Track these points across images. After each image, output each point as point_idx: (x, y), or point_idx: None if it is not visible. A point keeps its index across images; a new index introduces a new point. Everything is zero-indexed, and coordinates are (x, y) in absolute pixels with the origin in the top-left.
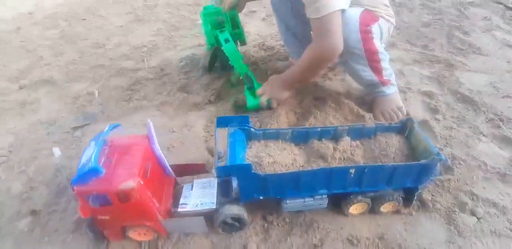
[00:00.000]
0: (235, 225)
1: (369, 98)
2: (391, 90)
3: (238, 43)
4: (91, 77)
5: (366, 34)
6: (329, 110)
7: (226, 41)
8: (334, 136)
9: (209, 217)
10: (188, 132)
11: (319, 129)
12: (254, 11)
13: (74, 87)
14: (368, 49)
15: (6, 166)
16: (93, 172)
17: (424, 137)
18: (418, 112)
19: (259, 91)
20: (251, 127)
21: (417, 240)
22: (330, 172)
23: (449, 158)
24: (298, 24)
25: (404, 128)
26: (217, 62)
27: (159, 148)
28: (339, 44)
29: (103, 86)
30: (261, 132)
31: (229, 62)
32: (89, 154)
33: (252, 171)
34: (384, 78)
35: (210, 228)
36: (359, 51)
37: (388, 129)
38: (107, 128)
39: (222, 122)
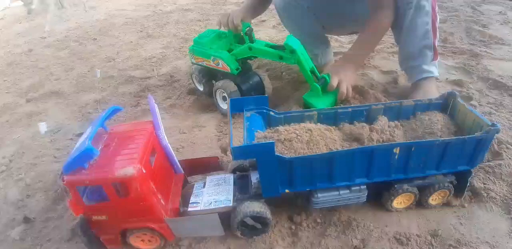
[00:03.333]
0: (257, 227)
1: (403, 89)
2: (437, 72)
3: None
4: (99, 88)
5: None
6: (353, 102)
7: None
8: (368, 117)
9: (225, 218)
10: (199, 132)
11: (349, 110)
12: (264, 20)
13: (82, 98)
14: (434, 9)
15: (5, 174)
16: (87, 153)
17: (471, 110)
18: None
19: (333, 81)
20: (271, 110)
21: (476, 234)
22: (370, 152)
23: (495, 142)
24: (311, 24)
25: (446, 104)
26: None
27: (165, 136)
28: (392, 11)
29: (111, 94)
30: (282, 115)
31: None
32: (81, 141)
33: (276, 153)
34: (436, 44)
35: (227, 231)
36: (427, 3)
37: (428, 107)
38: (105, 112)
39: (236, 105)
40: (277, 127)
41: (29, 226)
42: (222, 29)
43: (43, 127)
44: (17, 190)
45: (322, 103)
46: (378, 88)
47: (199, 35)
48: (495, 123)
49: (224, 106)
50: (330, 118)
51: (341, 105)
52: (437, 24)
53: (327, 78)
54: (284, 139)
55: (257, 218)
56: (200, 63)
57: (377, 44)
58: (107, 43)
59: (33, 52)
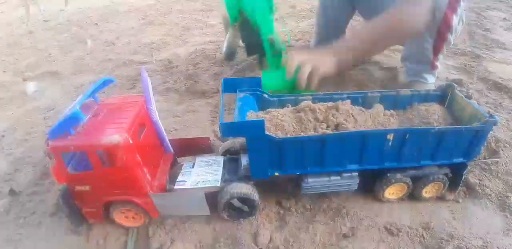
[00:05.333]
0: (243, 209)
1: (401, 85)
2: (432, 80)
3: None
4: (97, 70)
5: (455, 2)
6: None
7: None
8: (364, 104)
9: (212, 199)
10: (193, 116)
11: (345, 95)
12: None
13: (78, 79)
14: (447, 20)
15: None
16: (74, 118)
17: (469, 101)
18: None
19: (292, 53)
20: (264, 92)
21: (470, 229)
22: (363, 137)
23: (493, 140)
24: (341, 9)
25: (444, 96)
26: (242, 45)
27: (156, 111)
28: (427, 14)
29: (107, 75)
30: (276, 98)
31: (257, 40)
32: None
33: (266, 133)
34: (436, 62)
35: (213, 213)
36: (439, 15)
37: (426, 98)
38: (98, 82)
39: (229, 85)
40: (270, 109)
41: (14, 199)
42: None
43: (30, 87)
44: (6, 164)
45: (274, 84)
46: (377, 84)
47: None
48: (493, 114)
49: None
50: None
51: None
52: (445, 47)
53: (283, 50)
54: (276, 122)
55: (244, 200)
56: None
57: (382, 44)
58: (108, 28)
59: (33, 34)
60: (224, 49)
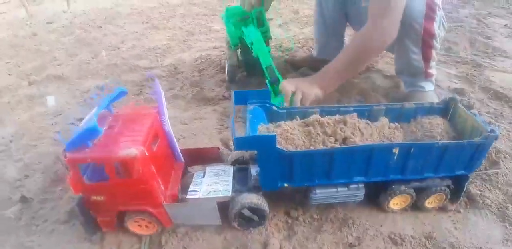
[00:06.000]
0: (253, 219)
1: (403, 95)
2: (430, 87)
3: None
4: (103, 74)
5: (431, 11)
6: (354, 103)
7: (249, 31)
8: (369, 117)
9: (222, 208)
10: (200, 124)
11: (352, 109)
12: (271, 19)
13: (84, 83)
14: (428, 29)
15: (4, 154)
16: (91, 131)
17: (471, 115)
18: None
19: (284, 83)
20: (273, 105)
21: (470, 239)
22: (370, 151)
23: (494, 151)
24: (335, 14)
25: (447, 109)
26: (241, 68)
27: (168, 122)
28: (396, 28)
29: (113, 81)
30: (285, 111)
31: (255, 63)
32: (88, 117)
33: (277, 146)
34: (429, 70)
35: (224, 222)
36: (418, 26)
37: (429, 110)
38: (113, 93)
39: (239, 97)
40: (280, 123)
41: (25, 205)
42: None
43: (51, 100)
44: (15, 170)
45: (274, 99)
46: (379, 92)
47: (227, 8)
48: (494, 129)
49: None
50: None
51: None
52: (434, 54)
53: (281, 79)
54: (287, 136)
55: (255, 209)
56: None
57: (355, 67)
58: (112, 31)
59: (37, 36)
60: (227, 73)
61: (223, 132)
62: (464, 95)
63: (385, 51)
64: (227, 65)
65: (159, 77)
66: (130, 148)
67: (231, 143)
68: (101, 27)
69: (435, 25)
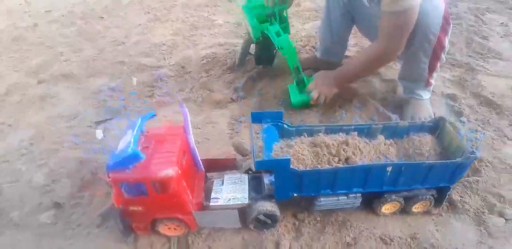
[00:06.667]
0: (267, 222)
1: (399, 99)
2: (427, 96)
3: None
4: (111, 73)
5: (446, 24)
6: (354, 109)
7: (278, 34)
8: (368, 133)
9: (240, 213)
10: (213, 129)
11: (353, 127)
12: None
13: (94, 82)
14: (440, 41)
15: (27, 158)
16: (134, 157)
17: (457, 135)
18: (442, 114)
19: (311, 85)
20: (285, 124)
21: (449, 240)
22: (368, 170)
23: (475, 161)
24: (342, 20)
25: (436, 127)
26: (253, 55)
27: (193, 139)
28: (404, 44)
29: (124, 82)
30: (294, 128)
31: (270, 56)
32: (126, 141)
33: (291, 167)
34: (431, 79)
35: (242, 222)
36: (433, 37)
37: (421, 128)
38: (143, 117)
39: (256, 117)
40: (291, 142)
41: (58, 211)
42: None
43: (99, 134)
44: (41, 175)
45: (296, 97)
46: (377, 96)
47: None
48: (475, 151)
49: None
50: (336, 133)
51: (312, 108)
52: (439, 65)
53: (306, 80)
54: (298, 156)
55: (269, 215)
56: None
57: (367, 73)
58: (114, 24)
59: (38, 28)
60: (238, 56)
61: (234, 137)
62: (456, 101)
63: None
64: (240, 51)
65: (168, 77)
66: (167, 170)
67: (242, 147)
68: (102, 18)
69: (447, 39)
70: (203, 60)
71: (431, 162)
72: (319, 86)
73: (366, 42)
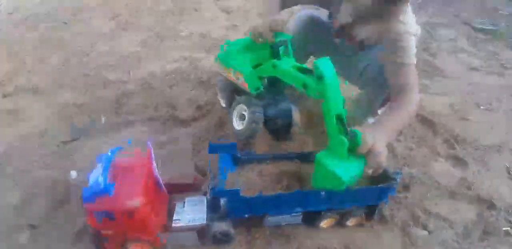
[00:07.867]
0: (223, 239)
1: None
2: (372, 120)
3: None
4: (77, 87)
5: None
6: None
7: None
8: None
9: (199, 231)
10: (176, 148)
11: (294, 155)
12: (236, 25)
13: (60, 97)
14: None
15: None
16: (105, 191)
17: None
18: None
19: (368, 140)
20: (238, 153)
21: None
22: (305, 195)
23: (408, 177)
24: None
25: None
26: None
27: (156, 167)
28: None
29: (89, 98)
30: (246, 157)
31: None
32: (96, 176)
33: (240, 195)
34: (379, 110)
35: (201, 240)
36: None
37: None
38: (112, 151)
39: (213, 148)
40: (242, 171)
41: (35, 232)
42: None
43: (74, 174)
44: (14, 195)
45: (345, 169)
46: None
47: (227, 41)
48: (397, 178)
49: (239, 126)
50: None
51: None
52: None
53: (358, 133)
54: (248, 183)
55: (224, 234)
56: (224, 74)
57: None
58: (78, 30)
59: (1, 32)
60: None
61: (196, 157)
62: None
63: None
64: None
65: (131, 93)
66: (134, 200)
67: (202, 167)
68: (66, 23)
69: None
70: (167, 75)
71: (358, 188)
72: (377, 140)
73: None
